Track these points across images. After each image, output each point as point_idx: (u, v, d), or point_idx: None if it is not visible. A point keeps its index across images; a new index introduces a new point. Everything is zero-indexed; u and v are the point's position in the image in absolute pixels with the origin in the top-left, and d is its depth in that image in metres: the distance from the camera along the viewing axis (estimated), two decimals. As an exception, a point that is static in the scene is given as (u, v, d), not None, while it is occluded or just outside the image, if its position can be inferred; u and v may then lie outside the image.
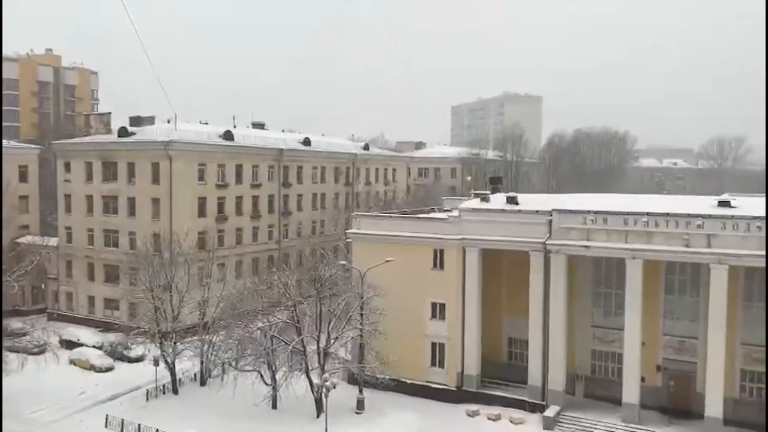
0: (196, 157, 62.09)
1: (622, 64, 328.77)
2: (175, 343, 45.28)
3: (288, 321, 41.57)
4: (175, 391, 45.68)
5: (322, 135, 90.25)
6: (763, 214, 36.45)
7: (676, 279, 41.46)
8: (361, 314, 42.08)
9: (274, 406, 41.89)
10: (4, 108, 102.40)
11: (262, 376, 41.90)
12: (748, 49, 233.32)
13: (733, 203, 39.99)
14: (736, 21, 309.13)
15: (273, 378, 41.57)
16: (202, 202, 62.34)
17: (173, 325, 45.61)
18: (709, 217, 37.49)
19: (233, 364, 43.14)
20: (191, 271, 48.96)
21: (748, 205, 40.27)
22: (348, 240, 50.49)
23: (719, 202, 40.61)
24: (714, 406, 37.26)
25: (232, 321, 43.23)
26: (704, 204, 41.18)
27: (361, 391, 42.35)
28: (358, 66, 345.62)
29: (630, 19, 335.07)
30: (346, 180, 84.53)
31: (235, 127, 74.25)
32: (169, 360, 45.30)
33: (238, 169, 66.72)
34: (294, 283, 43.14)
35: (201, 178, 62.50)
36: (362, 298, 42.14)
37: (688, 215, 37.83)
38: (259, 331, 41.63)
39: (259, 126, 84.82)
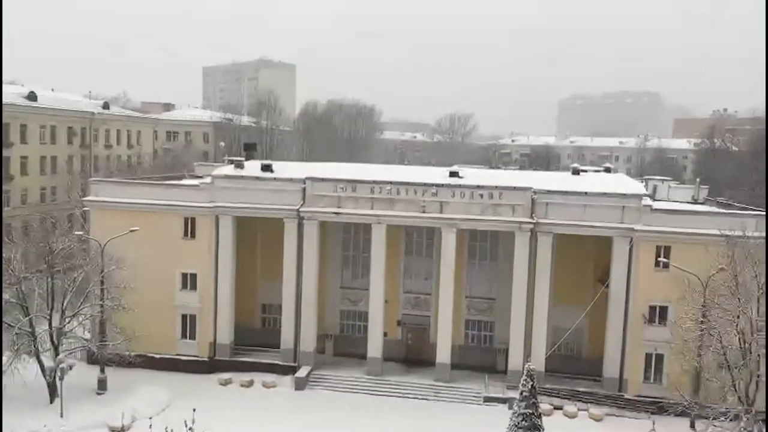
0: None
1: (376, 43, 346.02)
2: None
3: (12, 300, 36.71)
4: None
5: (52, 90, 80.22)
6: (486, 183, 41.80)
7: (414, 241, 45.67)
8: (102, 289, 38.92)
9: (-3, 396, 36.84)
10: None
11: (-22, 364, 36.48)
12: (480, 29, 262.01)
13: (461, 174, 44.96)
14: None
15: (-6, 365, 36.44)
16: None
17: None
18: (442, 186, 41.80)
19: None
20: None
21: (474, 175, 45.75)
22: (85, 208, 45.99)
23: (450, 172, 45.32)
24: (444, 353, 42.15)
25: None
26: (438, 174, 45.65)
27: (102, 371, 39.27)
28: (97, 18, 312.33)
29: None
30: (82, 141, 76.55)
31: (-65, 74, 62.11)
32: None
33: (-58, 124, 56.38)
34: (19, 258, 38.04)
35: None
36: (102, 271, 38.93)
37: (425, 184, 41.71)
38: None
39: (-31, 75, 72.10)
